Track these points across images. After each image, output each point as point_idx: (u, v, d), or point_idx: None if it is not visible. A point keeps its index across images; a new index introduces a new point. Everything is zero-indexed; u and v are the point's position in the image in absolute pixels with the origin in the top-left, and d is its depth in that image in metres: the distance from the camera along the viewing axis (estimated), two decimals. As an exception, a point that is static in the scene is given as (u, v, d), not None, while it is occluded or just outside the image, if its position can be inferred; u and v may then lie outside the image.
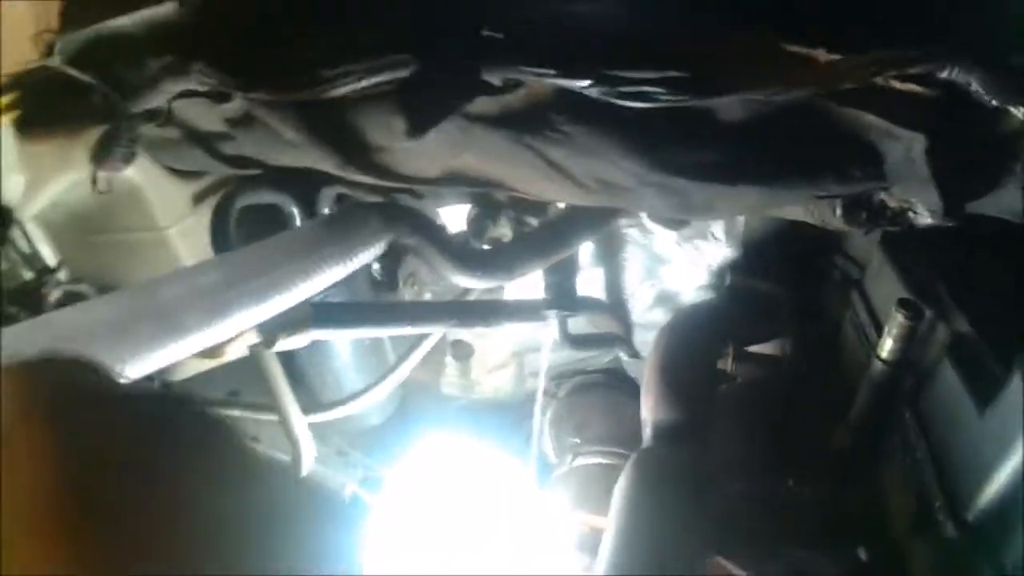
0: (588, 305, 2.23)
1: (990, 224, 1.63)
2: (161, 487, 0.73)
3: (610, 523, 1.74)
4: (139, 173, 2.00)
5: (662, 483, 1.80)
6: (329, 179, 1.87)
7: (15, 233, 1.83)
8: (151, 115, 1.78)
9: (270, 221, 2.14)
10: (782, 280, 2.33)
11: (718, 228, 2.32)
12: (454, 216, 2.16)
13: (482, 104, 1.40)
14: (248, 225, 2.19)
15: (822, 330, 2.25)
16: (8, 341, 1.23)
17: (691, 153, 1.43)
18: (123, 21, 1.62)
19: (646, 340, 2.43)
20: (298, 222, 1.97)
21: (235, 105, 1.65)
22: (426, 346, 2.07)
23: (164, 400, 1.34)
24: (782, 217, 1.85)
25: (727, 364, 2.05)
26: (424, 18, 1.36)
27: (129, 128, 1.83)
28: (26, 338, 1.28)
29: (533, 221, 2.02)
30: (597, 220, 1.92)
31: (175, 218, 2.11)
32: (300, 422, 1.88)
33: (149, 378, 2.13)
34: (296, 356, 2.23)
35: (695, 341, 2.13)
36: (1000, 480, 1.40)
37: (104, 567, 0.64)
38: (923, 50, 1.28)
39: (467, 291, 2.07)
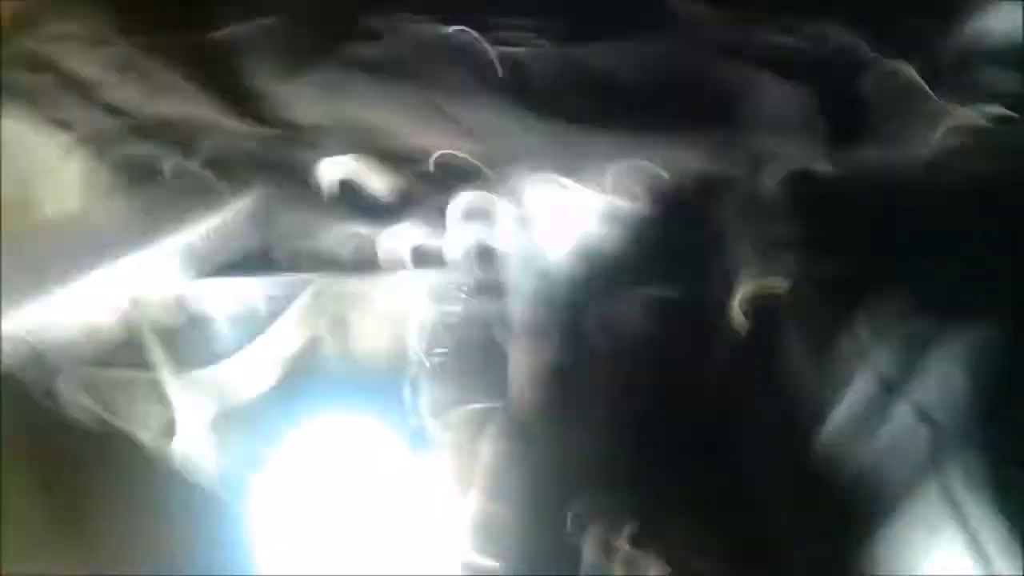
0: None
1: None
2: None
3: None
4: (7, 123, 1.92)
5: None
6: (206, 129, 1.83)
7: None
8: (20, 60, 1.70)
9: (147, 172, 2.07)
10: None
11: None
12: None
13: (362, 48, 1.37)
14: (125, 176, 2.11)
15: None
16: None
17: (573, 101, 1.45)
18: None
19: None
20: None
21: (114, 49, 1.63)
22: (300, 304, 2.02)
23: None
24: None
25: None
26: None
27: (-3, 72, 1.76)
28: None
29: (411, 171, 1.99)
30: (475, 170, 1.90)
31: (48, 170, 2.02)
32: (174, 386, 1.83)
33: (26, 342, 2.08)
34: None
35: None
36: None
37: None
38: (803, 6, 1.29)
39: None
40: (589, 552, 1.60)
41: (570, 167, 2.26)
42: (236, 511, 2.17)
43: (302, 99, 1.57)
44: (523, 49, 1.31)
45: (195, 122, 1.76)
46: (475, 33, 1.31)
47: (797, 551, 1.42)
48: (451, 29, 1.32)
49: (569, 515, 1.67)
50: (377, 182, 2.06)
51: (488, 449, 1.91)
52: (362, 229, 1.93)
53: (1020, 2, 1.38)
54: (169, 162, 2.02)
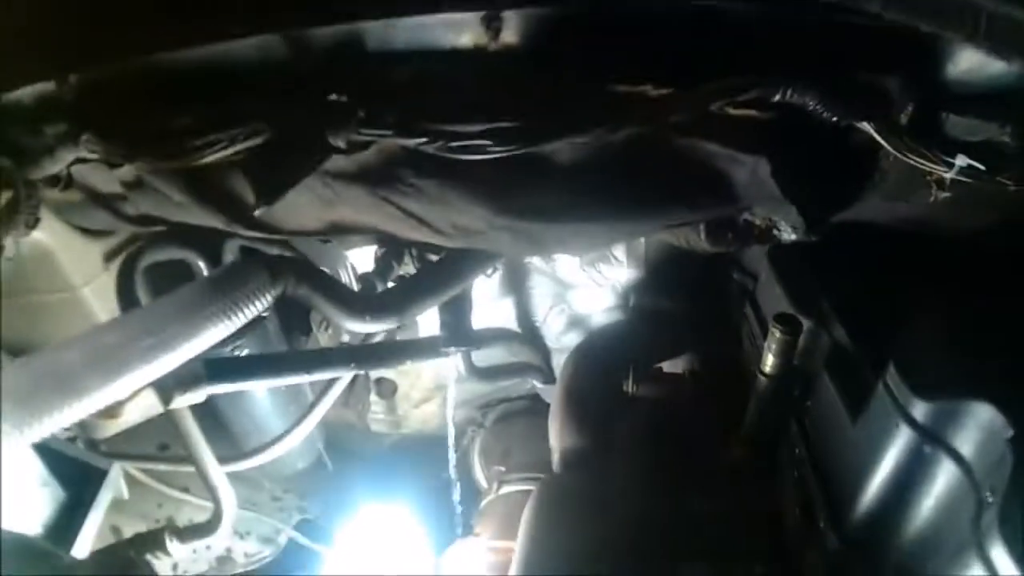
0: (489, 337, 2.26)
1: (878, 232, 1.68)
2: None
3: (516, 549, 1.79)
4: (48, 235, 2.03)
5: (563, 509, 1.85)
6: (230, 233, 1.92)
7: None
8: (51, 181, 1.82)
9: (184, 275, 2.19)
10: (683, 298, 2.38)
11: (619, 250, 2.36)
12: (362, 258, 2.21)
13: (338, 162, 1.45)
14: (166, 280, 2.24)
15: (723, 345, 2.29)
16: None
17: (534, 197, 1.48)
18: (18, 93, 1.65)
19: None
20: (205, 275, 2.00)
21: (126, 170, 1.70)
22: (336, 390, 2.10)
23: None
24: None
25: (628, 385, 2.08)
26: (279, 86, 1.39)
27: (30, 194, 1.88)
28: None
29: (434, 258, 2.06)
30: (483, 257, 1.96)
31: (87, 277, 2.13)
32: (217, 474, 1.91)
33: (72, 438, 2.20)
34: (219, 405, 2.27)
35: (599, 366, 2.18)
36: (872, 489, 1.43)
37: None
38: (752, 77, 1.31)
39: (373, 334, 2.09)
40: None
41: (545, 255, 2.34)
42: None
43: (299, 210, 1.62)
44: (476, 157, 1.32)
45: (219, 230, 1.85)
46: (431, 143, 1.33)
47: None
48: (409, 141, 1.35)
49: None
50: (406, 269, 2.16)
51: (522, 522, 1.96)
52: (377, 321, 2.01)
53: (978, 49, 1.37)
54: (201, 267, 2.14)
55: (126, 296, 1.92)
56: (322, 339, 2.26)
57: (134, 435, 2.26)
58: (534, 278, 2.45)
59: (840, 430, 1.59)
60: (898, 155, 1.35)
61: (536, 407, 2.73)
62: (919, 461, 1.33)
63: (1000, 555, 1.14)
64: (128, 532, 2.09)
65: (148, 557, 1.98)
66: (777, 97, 1.31)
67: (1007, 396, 1.22)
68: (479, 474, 2.67)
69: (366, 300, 1.86)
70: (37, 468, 1.96)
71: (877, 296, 1.67)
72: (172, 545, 1.98)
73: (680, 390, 2.18)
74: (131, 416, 1.65)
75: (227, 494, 1.92)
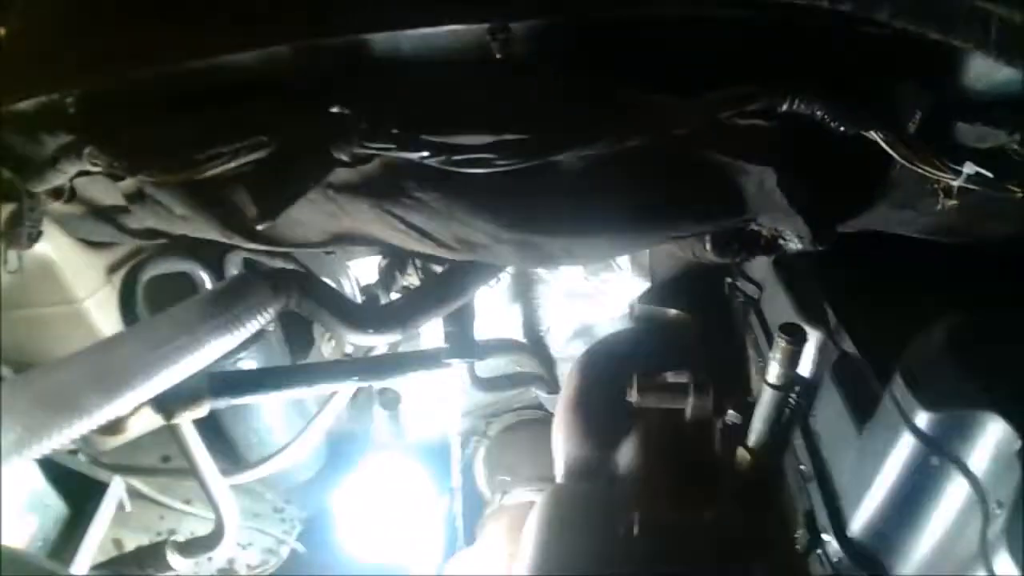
0: (492, 348, 2.25)
1: (885, 240, 1.67)
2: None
3: (521, 558, 1.77)
4: (51, 247, 2.03)
5: (568, 518, 1.83)
6: (233, 245, 1.91)
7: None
8: (54, 193, 1.81)
9: (187, 288, 2.19)
10: (687, 306, 2.37)
11: (623, 259, 2.35)
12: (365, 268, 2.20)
13: (342, 175, 1.44)
14: (169, 292, 2.23)
15: (728, 353, 2.28)
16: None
17: (540, 209, 1.48)
18: (21, 105, 1.65)
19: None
20: (208, 287, 1.99)
21: (129, 182, 1.70)
22: (339, 402, 2.09)
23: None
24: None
25: (632, 395, 2.06)
26: (282, 98, 1.39)
27: (33, 207, 1.87)
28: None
29: (438, 269, 2.06)
30: (487, 269, 1.95)
31: (90, 289, 2.13)
32: (220, 487, 1.90)
33: (74, 451, 2.20)
34: (221, 417, 2.26)
35: (603, 375, 2.17)
36: (877, 500, 1.42)
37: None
38: (759, 86, 1.30)
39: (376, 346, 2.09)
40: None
41: (550, 267, 2.33)
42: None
43: (303, 222, 1.62)
44: (481, 170, 1.32)
45: (218, 242, 1.85)
46: (434, 157, 1.33)
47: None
48: (412, 155, 1.34)
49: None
50: (410, 280, 2.15)
51: (526, 533, 1.94)
52: (380, 333, 2.00)
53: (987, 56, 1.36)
54: (204, 278, 2.14)
55: (128, 309, 1.92)
56: (325, 351, 2.25)
57: (136, 447, 2.26)
58: (538, 288, 2.42)
59: (845, 440, 1.58)
60: (906, 163, 1.33)
61: (540, 416, 2.71)
62: (925, 472, 1.32)
63: (1007, 568, 1.12)
64: (130, 545, 2.09)
65: (150, 571, 1.97)
66: (784, 107, 1.30)
67: (1015, 407, 1.20)
68: (482, 484, 2.65)
69: (369, 312, 1.86)
70: (38, 481, 1.95)
71: (883, 305, 1.65)
72: (174, 558, 1.97)
73: (684, 399, 2.15)
74: (133, 430, 1.64)
75: (229, 506, 1.91)
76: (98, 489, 2.14)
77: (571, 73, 1.32)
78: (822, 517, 1.59)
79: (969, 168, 1.33)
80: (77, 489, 2.11)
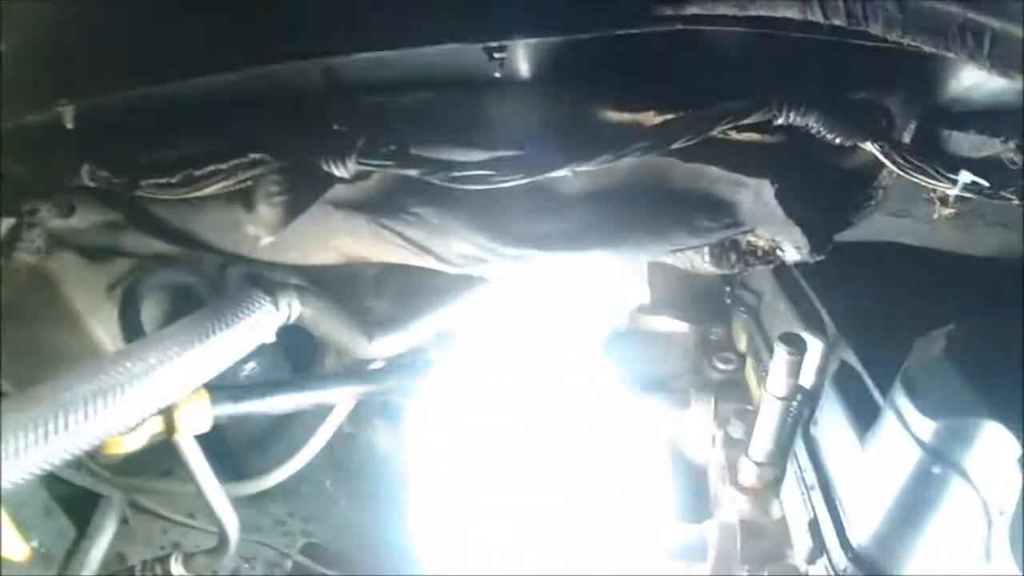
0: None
1: (883, 249, 1.67)
2: None
3: None
4: (51, 263, 2.03)
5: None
6: (234, 259, 1.92)
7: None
8: (53, 209, 1.82)
9: (188, 302, 2.19)
10: (686, 317, 2.37)
11: (621, 270, 2.36)
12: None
13: (340, 191, 1.44)
14: (169, 306, 2.23)
15: (728, 364, 2.29)
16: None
17: (538, 225, 1.48)
18: (21, 122, 1.66)
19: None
20: (209, 301, 1.99)
21: (128, 199, 1.69)
22: (340, 413, 2.10)
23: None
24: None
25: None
26: (280, 116, 1.40)
27: (33, 223, 1.88)
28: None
29: (437, 281, 2.06)
30: (484, 282, 1.96)
31: (91, 305, 2.13)
32: (222, 498, 1.90)
33: (79, 465, 2.19)
34: (223, 429, 2.26)
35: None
36: (879, 508, 1.42)
37: None
38: (755, 100, 1.30)
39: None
40: None
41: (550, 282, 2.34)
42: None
43: (300, 240, 1.63)
44: (478, 187, 1.32)
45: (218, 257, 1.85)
46: (432, 174, 1.33)
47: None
48: (409, 172, 1.35)
49: None
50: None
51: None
52: (384, 342, 2.01)
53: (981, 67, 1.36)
54: (205, 292, 2.14)
55: (129, 323, 1.92)
56: (327, 363, 2.25)
57: (138, 461, 2.27)
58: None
59: (847, 449, 1.59)
60: (901, 173, 1.33)
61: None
62: (927, 480, 1.32)
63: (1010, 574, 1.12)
64: (133, 559, 2.08)
65: (153, 585, 1.97)
66: (780, 120, 1.30)
67: (1016, 414, 1.20)
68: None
69: (370, 326, 1.86)
70: (41, 496, 1.95)
71: (884, 314, 1.66)
72: (177, 572, 1.97)
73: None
74: (136, 444, 1.64)
75: (231, 519, 1.91)
76: (101, 503, 2.14)
77: (568, 90, 1.32)
78: (825, 525, 1.59)
79: (965, 177, 1.33)
80: (80, 504, 2.10)
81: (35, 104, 1.59)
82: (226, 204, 1.51)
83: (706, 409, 2.15)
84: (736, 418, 2.13)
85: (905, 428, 1.31)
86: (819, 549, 1.61)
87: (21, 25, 1.74)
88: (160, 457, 2.32)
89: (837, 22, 1.19)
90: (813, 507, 1.67)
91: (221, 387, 1.73)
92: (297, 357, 2.49)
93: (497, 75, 1.23)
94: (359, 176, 1.39)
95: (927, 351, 1.39)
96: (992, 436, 1.21)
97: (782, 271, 1.99)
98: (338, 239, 1.57)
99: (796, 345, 1.69)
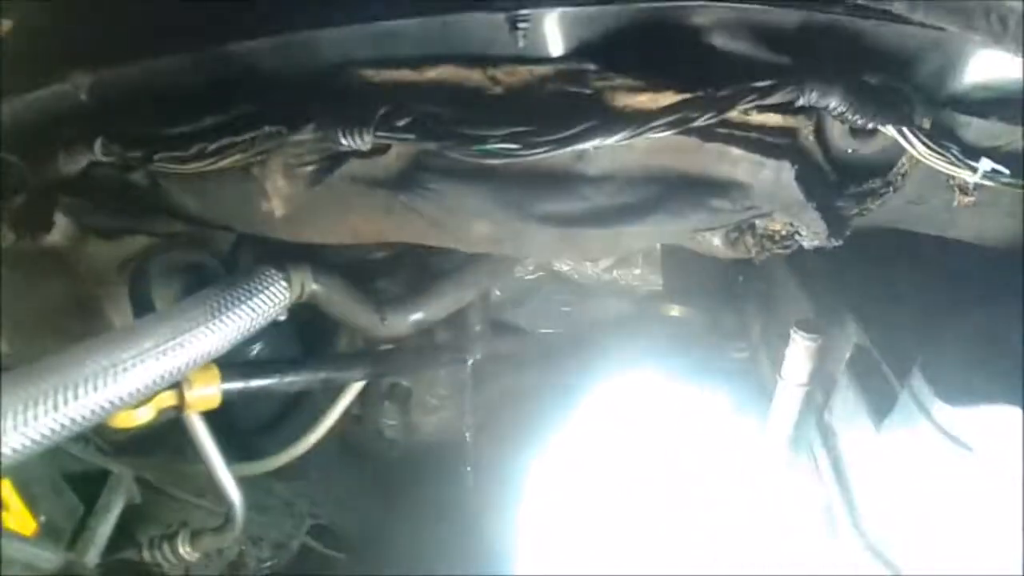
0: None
1: (897, 235, 1.66)
2: None
3: None
4: (62, 238, 2.02)
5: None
6: (246, 236, 1.91)
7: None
8: (66, 183, 1.81)
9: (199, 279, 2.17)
10: (700, 304, 2.37)
11: (637, 256, 2.35)
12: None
13: (357, 166, 1.43)
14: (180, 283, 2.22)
15: (740, 351, 2.28)
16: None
17: (557, 204, 1.48)
18: (34, 95, 1.65)
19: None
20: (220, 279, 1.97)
21: (141, 174, 1.70)
22: (349, 395, 2.09)
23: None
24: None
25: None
26: (297, 87, 1.39)
27: (45, 197, 1.87)
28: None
29: (453, 261, 2.05)
30: (503, 261, 1.95)
31: (101, 281, 2.12)
32: (230, 478, 1.89)
33: (87, 441, 2.19)
34: (231, 409, 2.25)
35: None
36: (895, 494, 1.41)
37: None
38: (776, 80, 1.29)
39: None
40: None
41: (569, 260, 2.33)
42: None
43: (312, 217, 1.61)
44: (497, 161, 1.31)
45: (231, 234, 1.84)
46: (451, 148, 1.32)
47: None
48: (427, 145, 1.34)
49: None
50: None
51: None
52: (398, 321, 2.00)
53: (1005, 50, 1.34)
54: (218, 269, 2.13)
55: (139, 300, 1.91)
56: (338, 345, 2.25)
57: (147, 439, 2.26)
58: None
59: (862, 435, 1.58)
60: (922, 159, 1.31)
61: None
62: (945, 467, 1.31)
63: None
64: (140, 537, 2.07)
65: (161, 561, 1.96)
66: (802, 100, 1.28)
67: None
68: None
69: (383, 305, 1.85)
70: (49, 472, 1.95)
71: (900, 300, 1.65)
72: (185, 550, 1.96)
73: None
74: (145, 418, 1.63)
75: (239, 500, 1.90)
76: (109, 481, 2.13)
77: (592, 63, 1.30)
78: (839, 511, 1.58)
79: (985, 165, 1.31)
80: (88, 481, 2.10)
81: (49, 76, 1.58)
82: (240, 180, 1.50)
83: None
84: (749, 405, 2.11)
85: (924, 414, 1.30)
86: (832, 536, 1.59)
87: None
88: (169, 437, 2.31)
89: (860, 1, 1.17)
90: (827, 494, 1.65)
91: (231, 364, 1.71)
92: (307, 341, 2.48)
93: (521, 44, 1.22)
94: (376, 151, 1.38)
95: (947, 337, 1.37)
96: (1012, 422, 1.19)
97: (796, 258, 1.97)
98: (354, 216, 1.56)
99: (812, 331, 1.68)
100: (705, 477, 2.24)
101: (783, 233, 1.61)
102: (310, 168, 1.42)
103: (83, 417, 1.37)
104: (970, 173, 1.33)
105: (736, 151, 1.40)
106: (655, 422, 2.35)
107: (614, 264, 2.38)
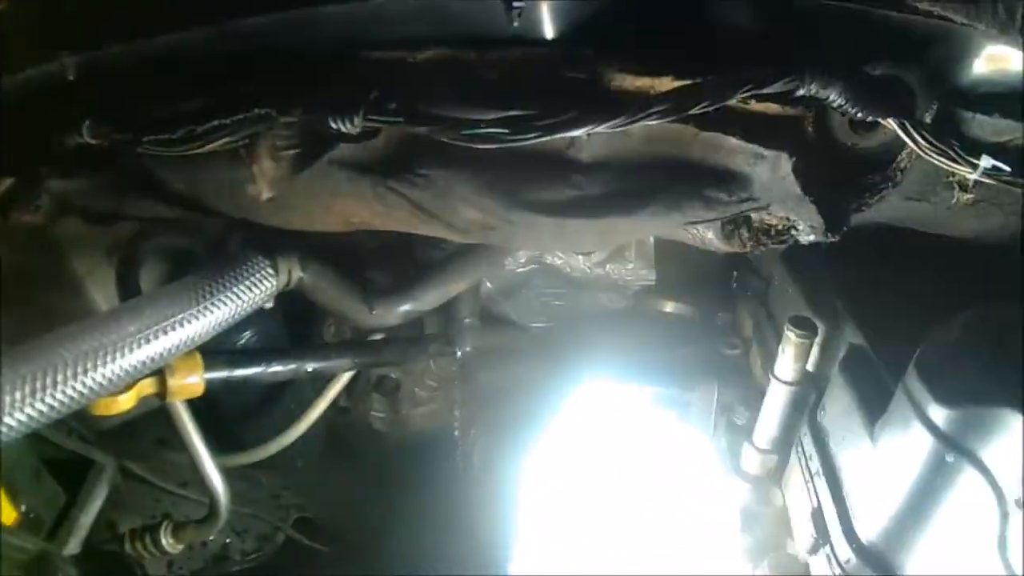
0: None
1: (894, 232, 1.63)
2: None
3: None
4: (49, 224, 1.99)
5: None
6: (234, 223, 1.88)
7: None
8: (53, 167, 1.78)
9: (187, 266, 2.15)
10: (693, 300, 2.34)
11: (630, 250, 2.32)
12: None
13: (346, 151, 1.41)
14: (168, 270, 2.20)
15: (733, 348, 2.25)
16: None
17: (549, 192, 1.45)
18: (21, 76, 1.62)
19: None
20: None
21: (129, 157, 1.65)
22: (337, 387, 2.07)
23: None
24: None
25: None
26: (286, 69, 1.36)
27: (32, 181, 1.84)
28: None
29: (443, 251, 2.03)
30: (493, 252, 1.92)
31: (89, 267, 2.09)
32: (214, 469, 1.87)
33: (70, 430, 2.16)
34: (217, 399, 2.22)
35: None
36: (888, 497, 1.39)
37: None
38: (777, 68, 1.26)
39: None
40: None
41: (560, 250, 2.31)
42: None
43: (299, 202, 1.59)
44: (489, 145, 1.28)
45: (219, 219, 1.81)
46: (442, 131, 1.29)
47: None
48: (417, 129, 1.31)
49: None
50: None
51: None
52: (387, 311, 1.97)
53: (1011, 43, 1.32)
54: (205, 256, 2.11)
55: (126, 286, 1.88)
56: (326, 335, 2.22)
57: (131, 429, 2.23)
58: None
59: (855, 436, 1.55)
60: (922, 154, 1.29)
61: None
62: (940, 469, 1.29)
63: (1024, 567, 1.09)
64: (123, 527, 2.04)
65: (143, 553, 1.94)
66: (802, 91, 1.25)
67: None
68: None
69: (371, 294, 1.82)
70: (30, 460, 1.92)
71: (896, 299, 1.62)
72: (167, 542, 1.94)
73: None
74: (128, 406, 1.60)
75: (223, 491, 1.87)
76: (92, 470, 2.10)
77: (587, 49, 1.27)
78: (830, 514, 1.56)
79: (986, 161, 1.29)
80: (71, 470, 2.07)
81: (36, 57, 1.55)
82: (228, 163, 1.47)
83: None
84: (740, 404, 2.09)
85: (918, 415, 1.28)
86: (822, 539, 1.57)
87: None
88: (153, 426, 2.29)
89: (868, -12, 1.15)
90: (818, 496, 1.63)
91: (217, 351, 1.68)
92: (295, 331, 2.45)
93: (515, 24, 1.19)
94: (366, 135, 1.36)
95: (943, 337, 1.34)
96: (1009, 425, 1.16)
97: (791, 254, 1.95)
98: (342, 202, 1.53)
99: (806, 328, 1.66)
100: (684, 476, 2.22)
101: (779, 227, 1.59)
102: (298, 151, 1.37)
103: (64, 403, 1.34)
104: (970, 170, 1.29)
105: (733, 140, 1.37)
106: (635, 423, 2.32)
107: (607, 258, 2.35)
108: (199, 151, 1.42)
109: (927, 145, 1.26)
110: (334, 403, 2.22)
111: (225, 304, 1.56)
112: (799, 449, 1.78)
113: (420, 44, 1.29)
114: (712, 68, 1.28)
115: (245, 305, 1.59)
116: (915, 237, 1.59)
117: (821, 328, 1.73)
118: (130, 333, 1.42)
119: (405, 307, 1.88)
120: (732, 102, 1.28)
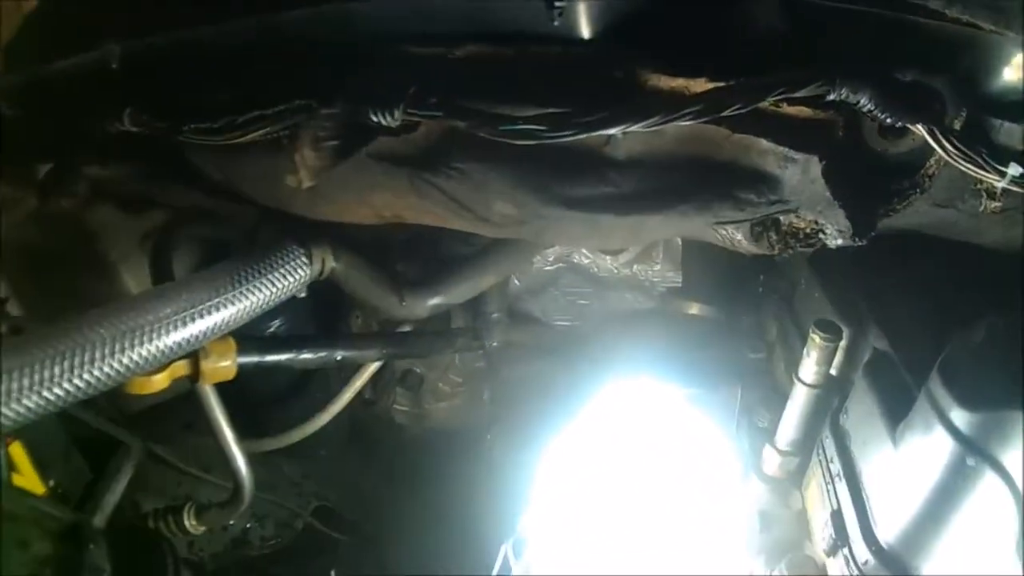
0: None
1: (920, 239, 1.65)
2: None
3: None
4: (86, 210, 2.03)
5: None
6: (269, 214, 1.91)
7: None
8: (92, 155, 1.81)
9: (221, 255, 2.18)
10: (719, 303, 2.36)
11: (657, 251, 2.34)
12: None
13: (384, 144, 1.43)
14: (204, 257, 2.23)
15: (757, 352, 2.26)
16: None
17: (582, 188, 1.47)
18: (62, 65, 1.65)
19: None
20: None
21: (168, 145, 1.67)
22: (362, 378, 2.09)
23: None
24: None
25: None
26: (326, 62, 1.38)
27: (71, 168, 1.88)
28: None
29: (474, 245, 2.05)
30: (523, 247, 1.94)
31: (124, 253, 2.13)
32: (239, 454, 1.90)
33: (98, 408, 2.19)
34: (245, 384, 2.25)
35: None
36: (908, 500, 1.40)
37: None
38: (808, 72, 1.28)
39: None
40: None
41: (590, 247, 2.32)
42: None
43: (335, 194, 1.61)
44: (527, 141, 1.31)
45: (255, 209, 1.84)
46: (480, 126, 1.32)
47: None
48: (456, 123, 1.33)
49: None
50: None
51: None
52: (417, 303, 1.99)
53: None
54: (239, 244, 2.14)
55: (160, 271, 1.92)
56: (353, 327, 2.25)
57: (159, 412, 2.27)
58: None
59: (877, 439, 1.57)
60: (951, 160, 1.30)
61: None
62: (961, 473, 1.30)
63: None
64: (147, 507, 2.08)
65: (165, 533, 1.97)
66: (833, 95, 1.27)
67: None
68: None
69: (402, 286, 1.85)
70: (60, 437, 1.96)
71: (921, 305, 1.63)
72: (191, 523, 1.97)
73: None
74: (162, 386, 1.63)
75: (247, 475, 1.90)
76: (119, 450, 2.14)
77: (624, 50, 1.29)
78: (849, 517, 1.57)
79: (1014, 169, 1.30)
80: (98, 449, 2.11)
81: (80, 45, 1.58)
82: (266, 153, 1.49)
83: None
84: (762, 407, 2.10)
85: (941, 419, 1.29)
86: (841, 540, 1.58)
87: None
88: (180, 412, 2.32)
89: (897, -7, 1.16)
90: (837, 498, 1.65)
91: (248, 337, 1.71)
92: (321, 322, 2.48)
93: (555, 23, 1.21)
94: (405, 128, 1.37)
95: (966, 342, 1.36)
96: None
97: (818, 258, 1.96)
98: (377, 194, 1.56)
99: (831, 332, 1.67)
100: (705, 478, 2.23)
101: (807, 231, 1.60)
102: (338, 143, 1.40)
103: (100, 379, 1.37)
104: (998, 177, 1.30)
105: (765, 142, 1.39)
106: (659, 423, 2.33)
107: (634, 258, 2.36)
108: (240, 140, 1.43)
109: (956, 152, 1.27)
110: (359, 394, 2.24)
111: (260, 290, 1.58)
112: (820, 452, 1.79)
113: (460, 39, 1.30)
114: (745, 71, 1.28)
115: (280, 292, 1.62)
116: (940, 243, 1.59)
117: (846, 332, 1.74)
118: (167, 315, 1.45)
119: (435, 300, 1.90)
120: (764, 105, 1.28)
